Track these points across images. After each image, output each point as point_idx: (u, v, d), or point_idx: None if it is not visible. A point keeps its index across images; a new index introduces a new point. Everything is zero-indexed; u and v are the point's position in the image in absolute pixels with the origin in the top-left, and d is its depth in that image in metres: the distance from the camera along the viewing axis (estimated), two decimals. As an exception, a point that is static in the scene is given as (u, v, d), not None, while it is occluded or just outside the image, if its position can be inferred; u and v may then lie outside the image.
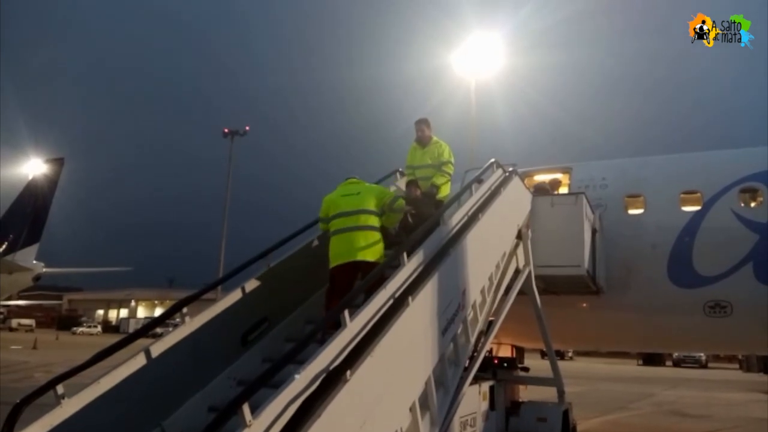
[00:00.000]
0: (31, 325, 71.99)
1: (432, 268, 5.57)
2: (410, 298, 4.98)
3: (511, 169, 9.43)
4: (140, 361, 5.11)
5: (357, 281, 6.23)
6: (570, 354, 53.07)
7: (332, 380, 3.95)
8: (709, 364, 46.60)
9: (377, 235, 6.49)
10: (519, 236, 9.05)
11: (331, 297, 6.38)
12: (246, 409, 3.53)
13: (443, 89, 37.41)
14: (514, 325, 10.87)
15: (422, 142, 8.53)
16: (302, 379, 3.94)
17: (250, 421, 3.52)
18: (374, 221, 6.53)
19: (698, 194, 11.14)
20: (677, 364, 46.64)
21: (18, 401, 4.28)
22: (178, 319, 5.83)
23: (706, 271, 10.68)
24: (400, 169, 9.43)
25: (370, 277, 5.32)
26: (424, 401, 5.17)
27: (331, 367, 4.09)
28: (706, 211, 10.94)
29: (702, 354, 43.54)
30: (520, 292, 9.10)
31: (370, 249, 6.34)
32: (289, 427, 3.55)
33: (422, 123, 8.56)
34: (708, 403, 19.52)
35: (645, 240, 11.23)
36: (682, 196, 11.25)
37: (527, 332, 10.60)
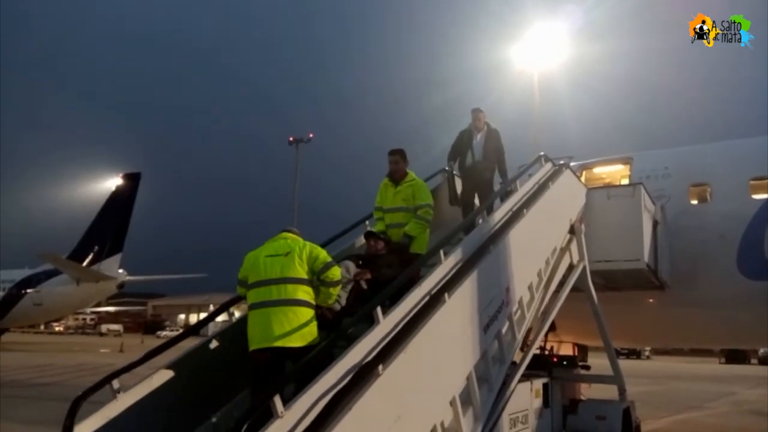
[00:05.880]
0: (119, 330, 76.03)
1: (471, 265, 5.53)
2: (446, 295, 4.96)
3: (561, 162, 9.25)
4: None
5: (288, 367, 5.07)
6: (647, 353, 51.07)
7: (364, 375, 4.00)
8: (799, 361, 43.46)
9: (308, 312, 5.08)
10: (572, 231, 8.85)
11: (255, 387, 5.11)
12: (278, 400, 3.71)
13: (505, 82, 36.92)
14: (575, 323, 10.67)
15: (395, 177, 7.25)
16: (334, 374, 4.08)
17: (282, 412, 3.70)
18: (305, 293, 5.10)
19: None
20: (763, 361, 43.66)
21: (79, 394, 4.62)
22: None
23: (780, 261, 10.10)
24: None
25: (294, 371, 4.41)
26: (466, 397, 5.16)
27: (363, 363, 4.20)
28: (778, 197, 10.36)
29: (792, 350, 40.82)
30: (576, 289, 8.90)
31: (297, 332, 4.93)
32: (320, 419, 3.64)
33: (397, 154, 7.23)
34: (792, 402, 18.30)
35: (712, 231, 10.75)
36: (751, 182, 10.70)
37: (588, 330, 10.33)
